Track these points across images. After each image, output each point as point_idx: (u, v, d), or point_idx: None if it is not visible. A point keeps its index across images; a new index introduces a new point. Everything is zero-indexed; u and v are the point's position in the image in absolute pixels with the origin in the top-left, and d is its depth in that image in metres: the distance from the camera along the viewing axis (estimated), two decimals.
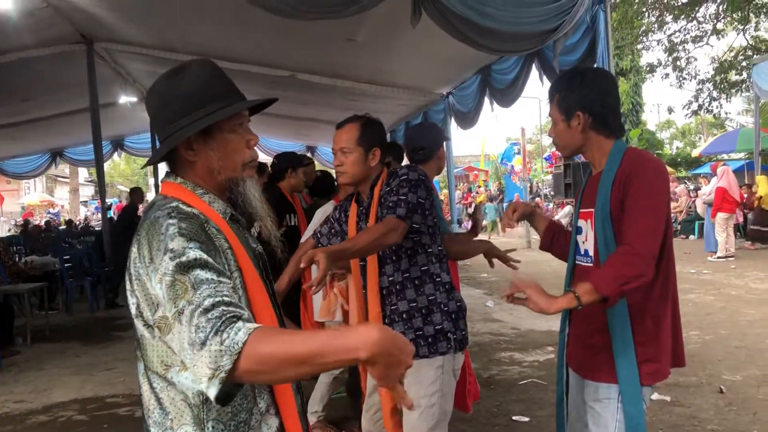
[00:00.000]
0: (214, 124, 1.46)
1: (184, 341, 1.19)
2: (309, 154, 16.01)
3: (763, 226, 13.58)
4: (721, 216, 12.08)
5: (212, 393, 1.15)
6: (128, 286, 1.39)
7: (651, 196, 2.04)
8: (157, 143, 1.53)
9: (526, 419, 4.35)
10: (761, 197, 13.48)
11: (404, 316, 2.59)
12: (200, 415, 1.36)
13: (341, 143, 2.63)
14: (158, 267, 1.28)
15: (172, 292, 1.24)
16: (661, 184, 2.09)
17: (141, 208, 10.50)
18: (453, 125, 10.09)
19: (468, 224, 22.40)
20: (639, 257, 1.94)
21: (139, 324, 1.38)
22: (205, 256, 1.29)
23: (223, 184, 1.53)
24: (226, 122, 1.49)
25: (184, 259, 1.26)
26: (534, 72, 6.76)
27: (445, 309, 2.58)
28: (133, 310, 1.38)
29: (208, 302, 1.20)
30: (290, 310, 3.99)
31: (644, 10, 19.40)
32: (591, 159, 2.29)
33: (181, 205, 1.42)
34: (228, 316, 1.18)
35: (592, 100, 2.19)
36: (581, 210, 2.31)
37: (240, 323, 1.17)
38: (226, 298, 1.23)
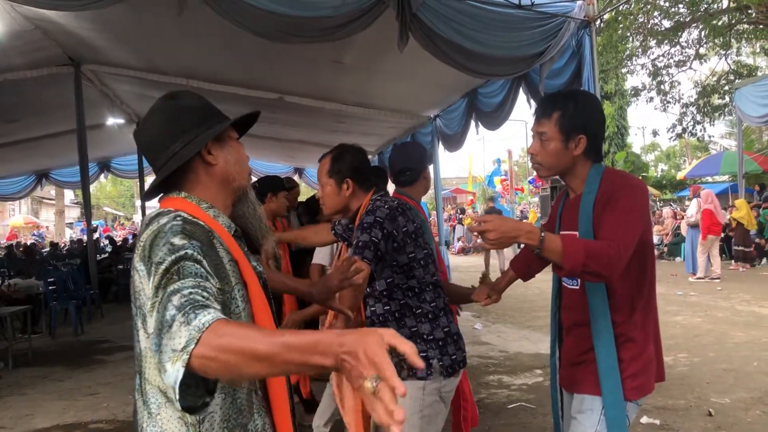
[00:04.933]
0: (224, 132, 1.55)
1: (157, 327, 1.17)
2: (297, 176, 16.00)
3: (746, 246, 13.84)
4: (707, 237, 12.20)
5: (176, 377, 1.09)
6: (132, 297, 1.39)
7: (629, 210, 2.03)
8: (145, 164, 1.56)
9: None
10: (740, 219, 13.74)
11: (391, 353, 2.62)
12: None
13: (318, 177, 2.77)
14: (154, 259, 1.28)
15: (160, 282, 1.24)
16: (639, 199, 2.09)
17: None
18: (440, 148, 10.13)
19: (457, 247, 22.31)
20: (614, 261, 1.92)
21: (142, 335, 1.37)
22: (200, 257, 1.31)
23: (234, 194, 1.60)
24: (231, 133, 1.60)
25: (181, 253, 1.28)
26: (521, 95, 6.82)
27: (429, 338, 2.61)
28: (138, 321, 1.37)
29: (186, 290, 1.20)
30: None
31: (628, 34, 19.68)
32: (570, 182, 2.28)
33: (185, 215, 1.44)
34: (199, 303, 1.17)
35: (595, 124, 2.20)
36: (562, 233, 2.31)
37: (210, 310, 1.15)
38: (205, 293, 1.22)
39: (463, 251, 22.53)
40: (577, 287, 2.21)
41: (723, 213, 13.03)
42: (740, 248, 14.11)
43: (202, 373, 1.10)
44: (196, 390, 1.14)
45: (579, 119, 2.16)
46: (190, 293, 1.19)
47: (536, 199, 26.89)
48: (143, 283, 1.32)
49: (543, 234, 1.91)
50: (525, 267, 2.76)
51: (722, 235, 13.07)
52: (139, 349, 1.40)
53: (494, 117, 7.59)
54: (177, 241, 1.31)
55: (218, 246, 1.43)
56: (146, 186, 13.63)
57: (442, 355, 2.60)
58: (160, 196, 1.57)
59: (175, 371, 1.09)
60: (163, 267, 1.25)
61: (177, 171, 1.50)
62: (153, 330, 1.19)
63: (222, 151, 1.55)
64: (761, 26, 18.50)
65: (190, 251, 1.29)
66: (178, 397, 1.10)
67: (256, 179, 5.05)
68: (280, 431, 1.47)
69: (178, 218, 1.40)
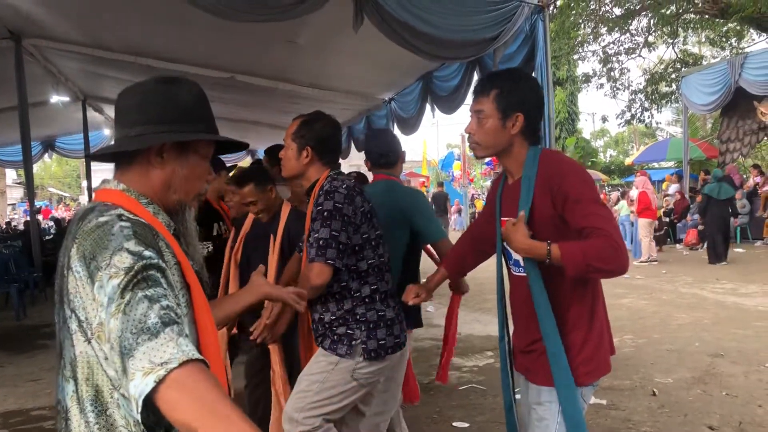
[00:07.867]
0: (192, 142, 1.44)
1: (127, 330, 1.10)
2: (249, 158, 15.80)
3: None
4: (643, 221, 12.54)
5: (142, 390, 1.05)
6: (64, 299, 1.27)
7: (592, 199, 2.03)
8: (92, 142, 1.47)
9: (466, 425, 4.37)
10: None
11: (327, 325, 2.64)
12: None
13: (284, 136, 2.72)
14: (109, 264, 1.18)
15: (127, 284, 1.15)
16: (592, 184, 2.11)
17: None
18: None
19: None
20: (619, 254, 1.92)
21: (79, 339, 1.24)
22: (164, 266, 1.24)
23: (171, 204, 1.47)
24: (204, 147, 1.48)
25: (144, 262, 1.19)
26: (476, 80, 6.83)
27: (362, 319, 2.60)
28: (73, 325, 1.25)
29: (164, 302, 1.15)
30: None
31: (580, 21, 19.97)
32: (508, 165, 2.26)
33: (125, 213, 1.32)
34: (182, 328, 1.14)
35: (532, 104, 2.19)
36: (504, 218, 2.29)
37: (190, 341, 1.13)
38: (178, 310, 1.18)
39: None
40: (525, 273, 2.19)
41: (655, 197, 13.45)
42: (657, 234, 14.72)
43: (159, 398, 1.06)
44: (146, 413, 1.10)
45: (516, 97, 2.15)
46: (169, 306, 1.15)
47: (488, 183, 27.18)
48: (80, 286, 1.21)
49: (549, 247, 1.98)
50: (457, 266, 2.75)
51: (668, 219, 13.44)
52: (72, 355, 1.27)
53: (450, 101, 7.60)
54: (133, 246, 1.21)
55: (164, 249, 1.33)
56: (91, 169, 13.20)
57: (368, 338, 2.58)
58: (97, 186, 1.46)
59: (143, 384, 1.05)
60: (126, 271, 1.17)
61: (127, 154, 1.42)
62: (118, 331, 1.12)
63: (176, 161, 1.44)
64: (707, 16, 19.00)
65: (154, 260, 1.21)
66: (140, 410, 1.07)
67: None
68: None
69: (123, 218, 1.28)
